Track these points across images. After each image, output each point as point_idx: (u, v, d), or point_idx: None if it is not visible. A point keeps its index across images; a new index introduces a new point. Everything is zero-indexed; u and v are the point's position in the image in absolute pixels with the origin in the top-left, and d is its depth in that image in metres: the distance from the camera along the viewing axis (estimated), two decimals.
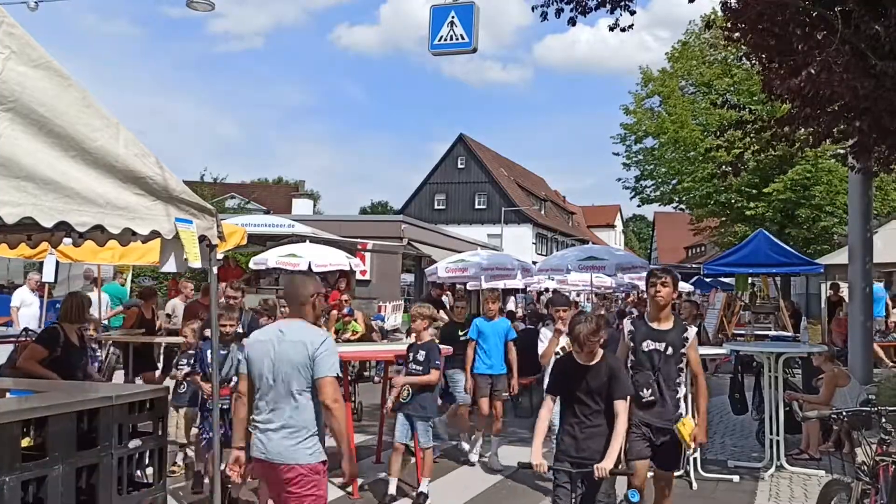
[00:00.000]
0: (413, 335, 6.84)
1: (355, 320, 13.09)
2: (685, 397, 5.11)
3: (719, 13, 7.51)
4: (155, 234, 4.43)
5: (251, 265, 16.07)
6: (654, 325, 4.85)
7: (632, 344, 4.84)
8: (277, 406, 3.87)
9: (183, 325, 7.92)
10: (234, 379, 5.30)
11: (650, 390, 4.70)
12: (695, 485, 6.91)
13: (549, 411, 4.45)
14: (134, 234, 4.33)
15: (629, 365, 4.76)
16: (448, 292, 17.10)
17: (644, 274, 20.62)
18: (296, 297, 4.15)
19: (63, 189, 3.69)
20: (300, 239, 15.47)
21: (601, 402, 4.26)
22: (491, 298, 8.33)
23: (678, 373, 4.82)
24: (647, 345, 4.79)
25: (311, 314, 4.09)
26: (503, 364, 7.90)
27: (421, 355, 6.49)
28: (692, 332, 4.93)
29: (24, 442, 3.91)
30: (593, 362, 4.31)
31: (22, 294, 11.83)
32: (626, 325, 4.99)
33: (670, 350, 4.77)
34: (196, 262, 4.59)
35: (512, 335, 8.03)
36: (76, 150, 3.78)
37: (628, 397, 4.34)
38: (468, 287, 18.16)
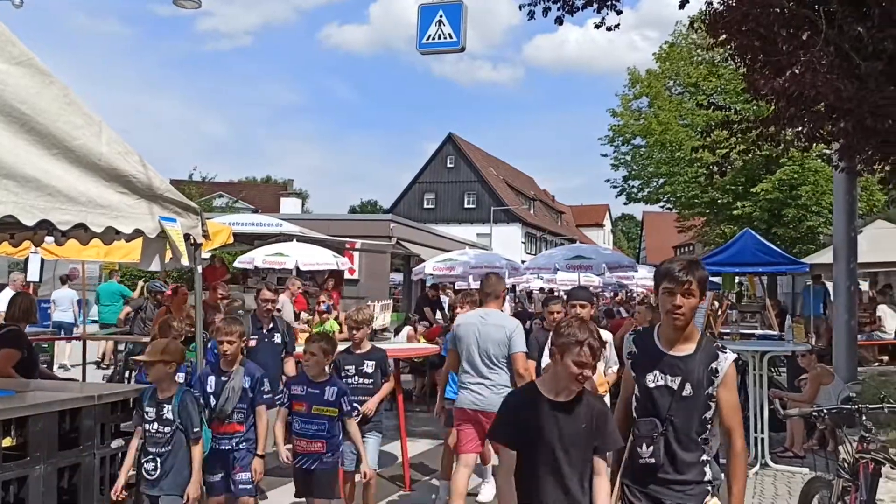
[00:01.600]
0: (354, 344, 5.66)
1: (335, 319, 13.07)
2: (716, 460, 3.37)
3: (702, 16, 7.53)
4: (138, 233, 4.42)
5: (236, 264, 16.03)
6: (667, 350, 3.15)
7: (632, 373, 3.24)
8: (483, 371, 5.31)
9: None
10: (236, 414, 4.72)
11: (651, 448, 3.10)
12: None
13: (510, 472, 3.10)
14: (117, 232, 4.31)
15: (633, 406, 3.25)
16: (449, 292, 17.05)
17: (632, 274, 20.69)
18: (494, 291, 5.58)
19: (45, 187, 3.67)
20: (288, 238, 15.43)
21: (577, 459, 3.06)
22: (462, 301, 6.80)
23: (702, 425, 3.14)
24: (655, 378, 3.13)
25: (501, 304, 5.65)
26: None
27: (369, 366, 5.52)
28: (726, 361, 3.10)
29: (6, 442, 3.89)
30: (570, 398, 3.09)
31: (6, 296, 11.77)
32: (627, 343, 3.33)
33: (688, 389, 3.07)
34: (183, 261, 4.58)
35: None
36: (58, 148, 3.77)
37: (619, 453, 3.20)
38: (456, 286, 18.19)
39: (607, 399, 5.29)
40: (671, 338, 3.13)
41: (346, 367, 5.48)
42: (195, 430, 4.30)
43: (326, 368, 4.87)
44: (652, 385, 3.12)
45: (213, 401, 4.70)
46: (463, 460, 5.36)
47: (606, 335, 5.40)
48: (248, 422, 4.76)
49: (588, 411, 3.09)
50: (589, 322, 3.27)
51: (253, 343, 6.33)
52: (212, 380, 4.79)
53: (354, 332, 5.61)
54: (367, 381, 5.50)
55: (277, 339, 6.72)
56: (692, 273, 3.03)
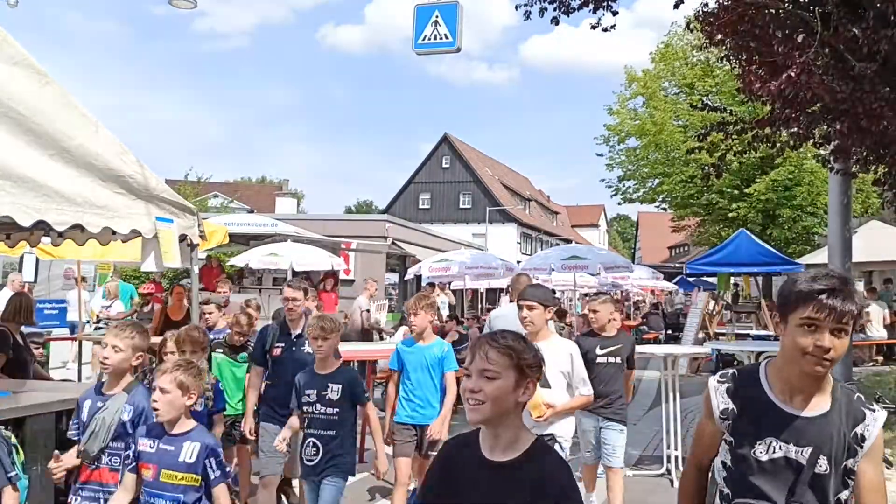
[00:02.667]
0: (318, 361, 4.51)
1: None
2: None
3: (697, 16, 7.55)
4: (135, 233, 4.41)
5: (230, 264, 16.03)
6: (789, 406, 2.16)
7: (730, 438, 2.21)
8: None
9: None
10: (105, 457, 3.57)
11: None
12: (676, 483, 6.96)
13: None
14: (114, 233, 4.30)
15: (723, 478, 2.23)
16: (447, 291, 17.00)
17: (627, 274, 20.72)
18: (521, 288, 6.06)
19: (41, 188, 3.67)
20: (283, 238, 15.43)
21: None
22: (414, 308, 5.28)
23: None
24: (770, 448, 2.13)
25: None
26: (437, 407, 5.20)
27: (334, 391, 4.37)
28: (875, 424, 2.15)
29: None
30: (513, 455, 2.03)
31: (4, 295, 11.78)
32: (715, 388, 2.27)
33: (823, 464, 2.10)
34: (172, 262, 4.57)
35: (450, 365, 5.24)
36: (55, 149, 3.76)
37: None
38: (452, 286, 18.19)
39: (561, 433, 4.37)
40: (797, 388, 2.14)
41: (307, 392, 4.43)
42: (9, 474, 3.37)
43: (184, 415, 3.34)
44: (765, 457, 2.14)
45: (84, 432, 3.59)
46: None
47: (557, 345, 4.44)
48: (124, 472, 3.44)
49: (538, 475, 2.00)
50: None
51: (277, 352, 5.28)
52: (87, 404, 3.66)
53: (318, 343, 4.40)
54: (330, 410, 4.36)
55: (307, 348, 4.90)
56: (851, 300, 2.05)
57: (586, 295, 27.73)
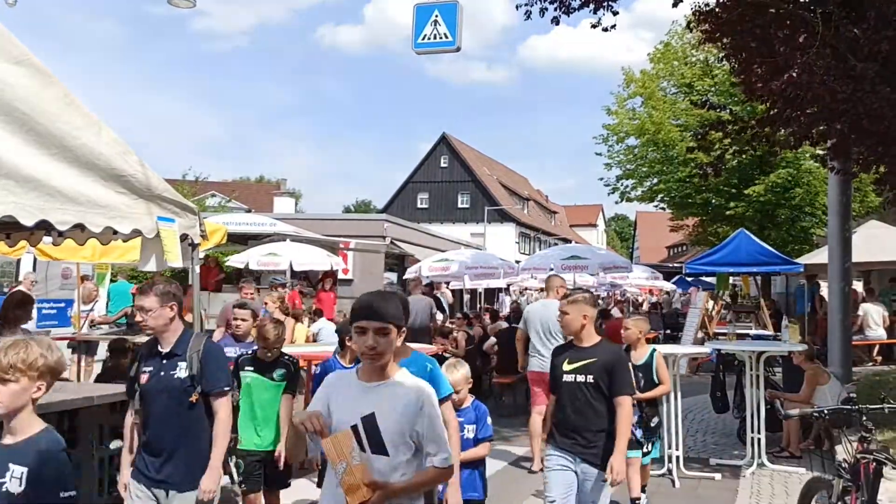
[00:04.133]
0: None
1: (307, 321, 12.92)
2: None
3: (696, 15, 7.55)
4: (136, 233, 4.40)
5: (230, 264, 16.00)
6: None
7: None
8: (546, 344, 7.06)
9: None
10: None
11: None
12: (677, 483, 6.96)
13: None
14: (115, 232, 4.29)
15: None
16: (444, 290, 16.94)
17: (626, 274, 20.73)
18: (552, 287, 7.52)
19: (44, 187, 3.65)
20: (281, 238, 15.40)
21: None
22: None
23: None
24: None
25: (557, 294, 7.02)
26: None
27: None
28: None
29: None
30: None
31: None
32: None
33: None
34: (175, 262, 4.55)
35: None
36: (57, 148, 3.74)
37: None
38: (451, 286, 18.17)
39: None
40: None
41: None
42: None
43: None
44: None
45: None
46: (537, 409, 7.25)
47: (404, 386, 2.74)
48: None
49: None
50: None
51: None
52: None
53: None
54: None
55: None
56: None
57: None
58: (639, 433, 5.63)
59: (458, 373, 4.23)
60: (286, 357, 4.98)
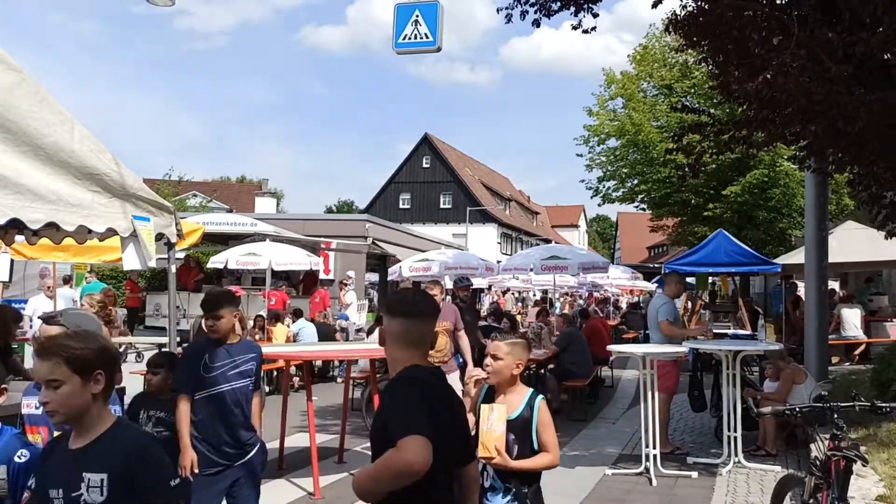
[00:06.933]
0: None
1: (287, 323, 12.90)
2: None
3: (674, 19, 7.57)
4: (111, 232, 4.35)
5: (210, 264, 15.90)
6: None
7: None
8: None
9: None
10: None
11: None
12: (654, 481, 7.00)
13: None
14: (90, 231, 4.24)
15: None
16: (434, 291, 16.91)
17: (606, 274, 20.84)
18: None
19: (14, 185, 3.61)
20: (262, 238, 15.34)
21: None
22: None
23: None
24: None
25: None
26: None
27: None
28: None
29: None
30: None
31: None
32: None
33: None
34: (154, 262, 4.53)
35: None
36: (29, 146, 3.70)
37: None
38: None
39: None
40: None
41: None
42: None
43: None
44: None
45: None
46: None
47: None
48: None
49: None
50: None
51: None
52: None
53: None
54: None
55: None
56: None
57: (566, 294, 27.87)
58: None
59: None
60: None
